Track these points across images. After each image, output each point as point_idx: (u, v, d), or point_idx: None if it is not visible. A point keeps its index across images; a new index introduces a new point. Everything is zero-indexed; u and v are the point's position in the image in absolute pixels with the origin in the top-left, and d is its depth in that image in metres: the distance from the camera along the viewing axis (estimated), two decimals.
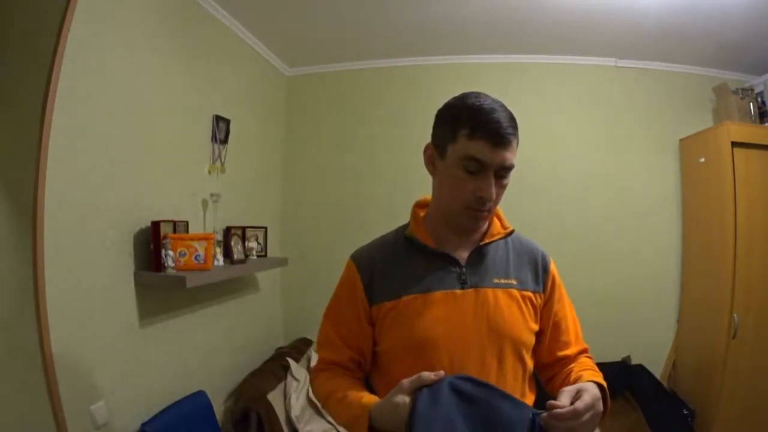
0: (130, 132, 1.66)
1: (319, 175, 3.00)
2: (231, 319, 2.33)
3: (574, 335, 1.01)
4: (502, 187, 0.90)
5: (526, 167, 2.83)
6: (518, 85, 2.87)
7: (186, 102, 1.99)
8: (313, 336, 2.81)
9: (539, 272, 0.99)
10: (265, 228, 2.53)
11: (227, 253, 2.14)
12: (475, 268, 0.94)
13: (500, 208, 1.01)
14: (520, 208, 2.84)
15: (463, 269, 0.93)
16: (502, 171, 0.88)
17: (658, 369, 2.70)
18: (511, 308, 0.93)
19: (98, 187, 1.51)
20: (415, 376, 0.77)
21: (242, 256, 2.22)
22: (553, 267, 1.02)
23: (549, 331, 0.99)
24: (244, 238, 2.29)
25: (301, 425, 2.13)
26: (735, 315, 2.29)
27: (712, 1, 2.07)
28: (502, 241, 0.99)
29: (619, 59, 2.81)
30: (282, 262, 2.64)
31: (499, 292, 0.92)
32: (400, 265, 0.95)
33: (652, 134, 2.82)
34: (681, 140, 2.78)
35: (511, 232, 1.01)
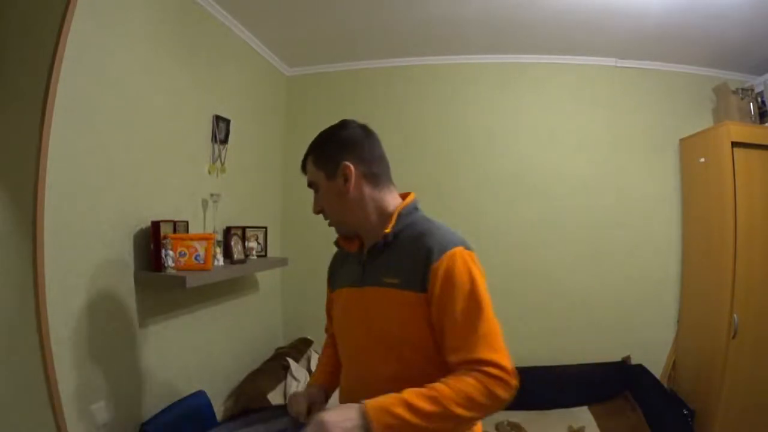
0: (130, 132, 1.66)
1: None
2: (231, 319, 2.33)
3: (462, 340, 0.90)
4: (321, 199, 1.07)
5: (526, 167, 2.84)
6: (518, 85, 2.87)
7: (186, 102, 1.99)
8: (312, 336, 2.81)
9: (425, 272, 0.94)
10: (265, 228, 2.53)
11: (227, 253, 2.13)
12: (370, 266, 1.04)
13: (403, 208, 1.05)
14: (520, 208, 2.84)
15: (364, 268, 1.05)
16: (311, 188, 1.09)
17: (658, 369, 2.70)
18: (392, 307, 0.97)
19: (98, 187, 1.51)
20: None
21: (242, 256, 2.22)
22: (443, 267, 0.93)
23: (439, 332, 0.94)
24: (244, 238, 2.29)
25: None
26: (735, 315, 2.29)
27: (712, 1, 2.08)
28: (397, 240, 1.02)
29: (619, 59, 2.81)
30: (282, 262, 2.64)
31: (384, 291, 0.98)
32: (342, 264, 1.17)
33: (652, 134, 2.82)
34: (681, 140, 2.78)
35: (387, 234, 1.01)
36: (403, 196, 1.10)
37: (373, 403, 0.83)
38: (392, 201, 1.07)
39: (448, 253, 0.93)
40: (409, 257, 0.97)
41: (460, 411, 0.82)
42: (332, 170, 1.03)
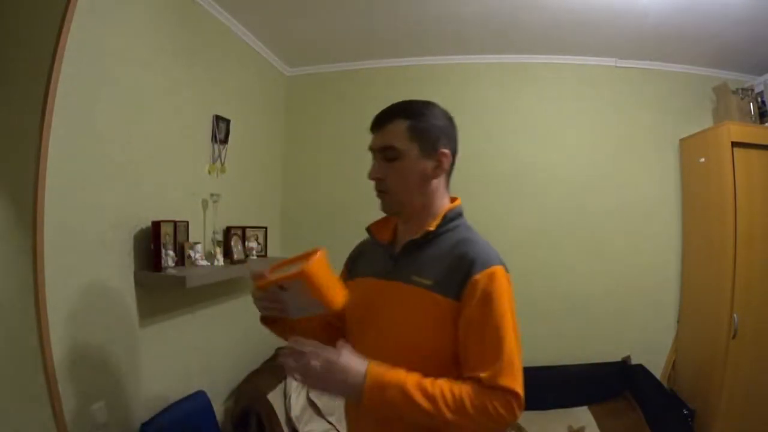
0: (130, 132, 1.66)
1: (319, 175, 2.99)
2: (231, 319, 2.33)
3: (479, 361, 0.87)
4: (394, 170, 0.99)
5: (526, 167, 2.84)
6: (518, 85, 2.87)
7: (186, 102, 1.99)
8: None
9: (461, 280, 0.91)
10: (265, 228, 2.53)
11: (227, 253, 2.13)
12: (401, 261, 1.00)
13: (450, 210, 1.01)
14: (520, 208, 2.84)
15: (395, 262, 1.01)
16: (384, 152, 1.00)
17: (658, 369, 2.70)
18: (416, 307, 0.93)
19: (98, 187, 1.51)
20: None
21: (242, 256, 2.22)
22: (483, 282, 0.90)
23: (462, 345, 0.91)
24: (244, 238, 2.29)
25: (301, 425, 2.13)
26: (735, 315, 2.29)
27: (712, 1, 2.07)
28: (436, 240, 0.98)
29: (619, 59, 2.81)
30: None
31: (411, 289, 0.94)
32: (367, 252, 1.14)
33: (652, 134, 2.82)
34: (681, 140, 2.78)
35: (428, 232, 0.98)
36: (451, 200, 1.06)
37: (374, 375, 0.84)
38: (442, 201, 1.03)
39: (491, 269, 0.90)
40: (447, 261, 0.93)
41: (449, 416, 0.81)
42: (429, 150, 0.98)
